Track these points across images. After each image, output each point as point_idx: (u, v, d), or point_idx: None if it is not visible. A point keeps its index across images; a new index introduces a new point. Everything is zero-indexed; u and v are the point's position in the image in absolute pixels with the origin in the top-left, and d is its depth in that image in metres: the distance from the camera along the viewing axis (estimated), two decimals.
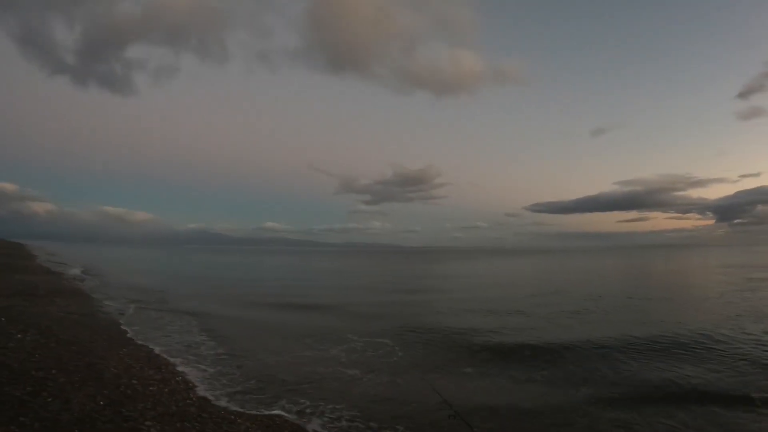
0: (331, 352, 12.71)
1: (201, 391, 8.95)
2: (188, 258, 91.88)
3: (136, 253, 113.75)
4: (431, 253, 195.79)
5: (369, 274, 49.88)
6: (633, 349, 12.63)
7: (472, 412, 7.90)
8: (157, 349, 11.94)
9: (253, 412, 8.00)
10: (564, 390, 9.63)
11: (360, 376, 10.52)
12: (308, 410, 8.32)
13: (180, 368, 10.37)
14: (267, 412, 8.10)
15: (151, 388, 8.46)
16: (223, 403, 8.42)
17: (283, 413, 8.12)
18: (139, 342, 12.59)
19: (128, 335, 13.38)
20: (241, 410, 8.08)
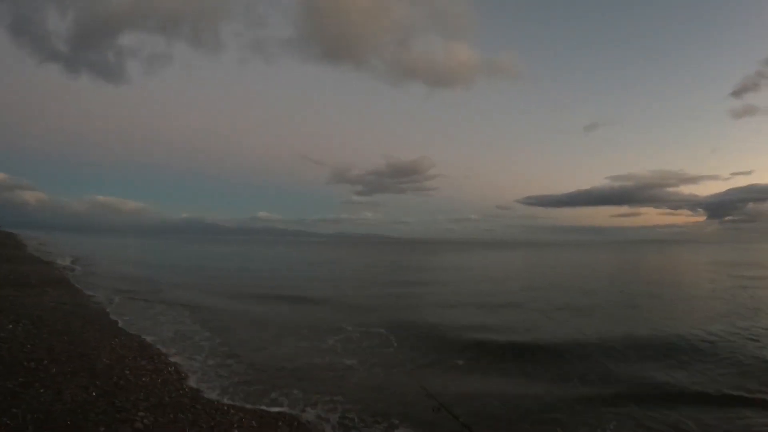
0: (328, 342, 12.79)
1: (194, 381, 8.96)
2: (181, 248, 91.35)
3: (128, 242, 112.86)
4: (423, 245, 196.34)
5: (362, 264, 49.95)
6: (624, 345, 12.73)
7: (459, 404, 7.93)
8: (149, 339, 11.92)
9: (248, 406, 8.01)
10: (555, 385, 9.74)
11: (356, 367, 10.63)
12: (302, 401, 8.37)
13: (172, 359, 10.36)
14: (261, 405, 8.11)
15: (143, 379, 8.45)
16: (216, 393, 8.43)
17: (278, 406, 8.15)
18: (132, 332, 12.54)
19: (119, 325, 13.33)
20: (234, 402, 8.10)
